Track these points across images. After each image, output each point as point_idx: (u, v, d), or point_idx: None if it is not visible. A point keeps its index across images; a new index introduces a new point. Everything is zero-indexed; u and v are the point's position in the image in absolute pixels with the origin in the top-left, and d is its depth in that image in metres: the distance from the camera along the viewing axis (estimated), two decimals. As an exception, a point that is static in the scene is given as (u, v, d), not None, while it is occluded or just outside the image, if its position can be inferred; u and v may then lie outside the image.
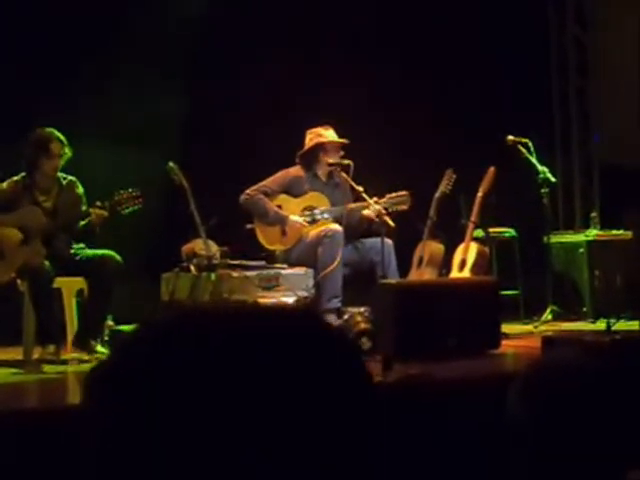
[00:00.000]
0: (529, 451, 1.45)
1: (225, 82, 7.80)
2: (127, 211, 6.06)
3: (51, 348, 5.74)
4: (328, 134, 6.81)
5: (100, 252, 6.05)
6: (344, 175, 6.73)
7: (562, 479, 1.45)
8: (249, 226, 6.78)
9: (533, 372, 1.50)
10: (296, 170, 6.88)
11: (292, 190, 6.82)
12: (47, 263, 5.86)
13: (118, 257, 5.96)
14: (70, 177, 6.24)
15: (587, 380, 1.45)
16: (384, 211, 6.49)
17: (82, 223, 6.03)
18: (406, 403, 4.05)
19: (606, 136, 8.82)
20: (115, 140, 7.29)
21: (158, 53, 7.42)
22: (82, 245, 6.17)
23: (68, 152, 6.07)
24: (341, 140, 6.80)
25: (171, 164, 6.20)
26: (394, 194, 6.67)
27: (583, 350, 1.62)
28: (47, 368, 5.52)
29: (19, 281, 5.99)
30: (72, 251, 6.12)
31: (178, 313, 0.97)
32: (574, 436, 1.44)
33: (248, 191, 6.75)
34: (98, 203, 6.03)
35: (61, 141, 6.04)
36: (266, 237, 6.74)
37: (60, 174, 6.19)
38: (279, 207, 6.76)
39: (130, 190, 6.09)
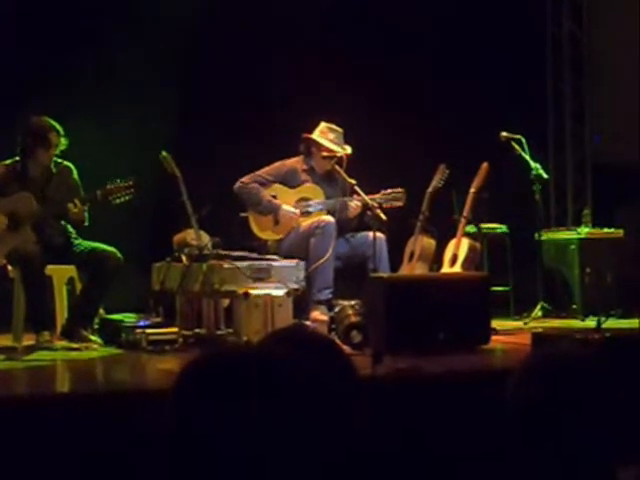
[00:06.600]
0: (525, 445, 1.46)
1: (220, 71, 7.77)
2: (118, 201, 6.05)
3: (45, 335, 5.73)
4: (329, 136, 6.70)
5: (102, 246, 6.04)
6: (337, 167, 6.71)
7: (557, 473, 1.45)
8: (242, 214, 6.77)
9: (529, 367, 1.50)
10: (293, 162, 6.85)
11: (288, 181, 6.80)
12: (37, 249, 5.84)
13: (119, 254, 5.96)
14: (65, 162, 6.21)
15: (582, 375, 1.45)
16: (376, 204, 6.48)
17: (74, 211, 6.00)
18: (395, 397, 4.06)
19: (605, 136, 8.80)
20: (107, 129, 7.27)
21: (154, 40, 7.38)
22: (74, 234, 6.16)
23: (64, 142, 6.05)
24: (331, 148, 6.67)
25: (164, 153, 6.18)
26: (389, 190, 6.65)
27: (575, 346, 1.62)
28: (41, 355, 5.51)
29: (9, 267, 5.97)
30: (72, 241, 6.10)
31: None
32: (569, 430, 1.44)
33: (243, 179, 6.73)
34: (82, 195, 6.03)
35: (58, 131, 6.02)
36: (259, 225, 6.72)
37: (54, 159, 6.16)
38: (274, 197, 6.74)
39: (123, 180, 6.08)
